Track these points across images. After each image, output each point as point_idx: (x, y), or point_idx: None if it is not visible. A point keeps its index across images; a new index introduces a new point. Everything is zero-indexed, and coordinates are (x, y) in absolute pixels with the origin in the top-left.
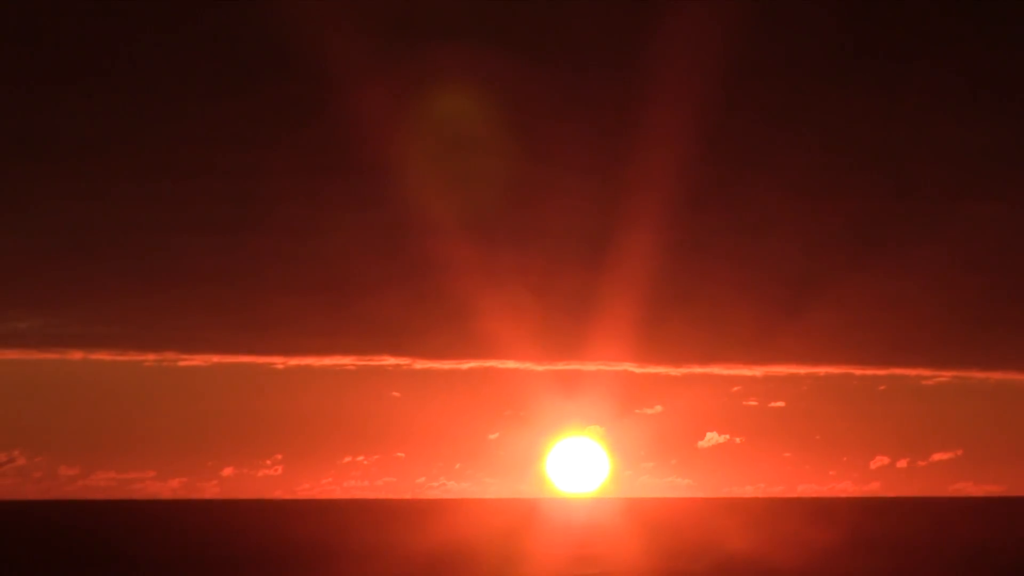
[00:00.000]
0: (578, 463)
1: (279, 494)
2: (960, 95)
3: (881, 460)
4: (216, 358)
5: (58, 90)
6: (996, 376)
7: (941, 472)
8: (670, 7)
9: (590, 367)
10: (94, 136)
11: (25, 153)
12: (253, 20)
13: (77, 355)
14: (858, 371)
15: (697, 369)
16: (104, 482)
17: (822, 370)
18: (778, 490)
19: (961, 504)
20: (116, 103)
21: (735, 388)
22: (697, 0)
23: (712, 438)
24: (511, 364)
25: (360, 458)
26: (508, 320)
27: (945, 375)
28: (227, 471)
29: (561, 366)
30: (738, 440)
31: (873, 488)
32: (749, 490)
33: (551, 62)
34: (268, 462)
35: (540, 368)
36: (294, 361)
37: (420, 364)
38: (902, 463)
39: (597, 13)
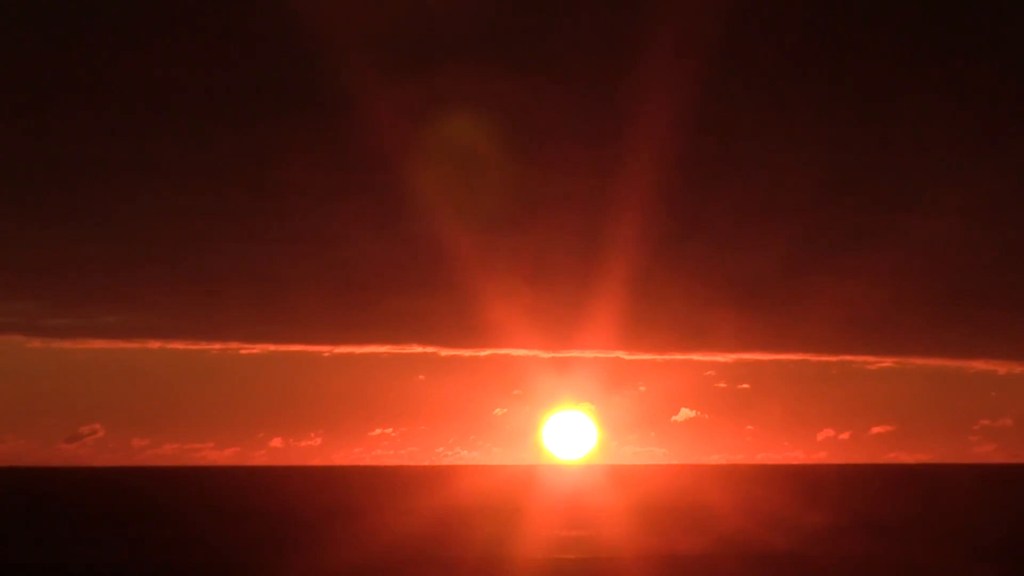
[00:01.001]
0: (572, 435)
1: (317, 461)
2: (913, 116)
3: (828, 433)
4: (272, 347)
5: (141, 122)
6: (931, 362)
7: (879, 443)
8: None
9: (587, 354)
10: (171, 162)
11: (112, 176)
12: (297, 59)
13: (155, 344)
14: (813, 358)
15: (678, 356)
16: (169, 451)
17: (783, 357)
18: (740, 458)
19: (895, 470)
20: (185, 136)
21: (708, 372)
22: (684, 18)
23: (685, 413)
24: (520, 352)
25: (389, 430)
26: (518, 315)
27: (887, 361)
28: (275, 442)
29: (562, 353)
30: (707, 416)
31: (820, 456)
32: (715, 458)
33: (551, 75)
34: (311, 434)
35: (544, 355)
36: (337, 350)
37: (444, 352)
38: (845, 435)
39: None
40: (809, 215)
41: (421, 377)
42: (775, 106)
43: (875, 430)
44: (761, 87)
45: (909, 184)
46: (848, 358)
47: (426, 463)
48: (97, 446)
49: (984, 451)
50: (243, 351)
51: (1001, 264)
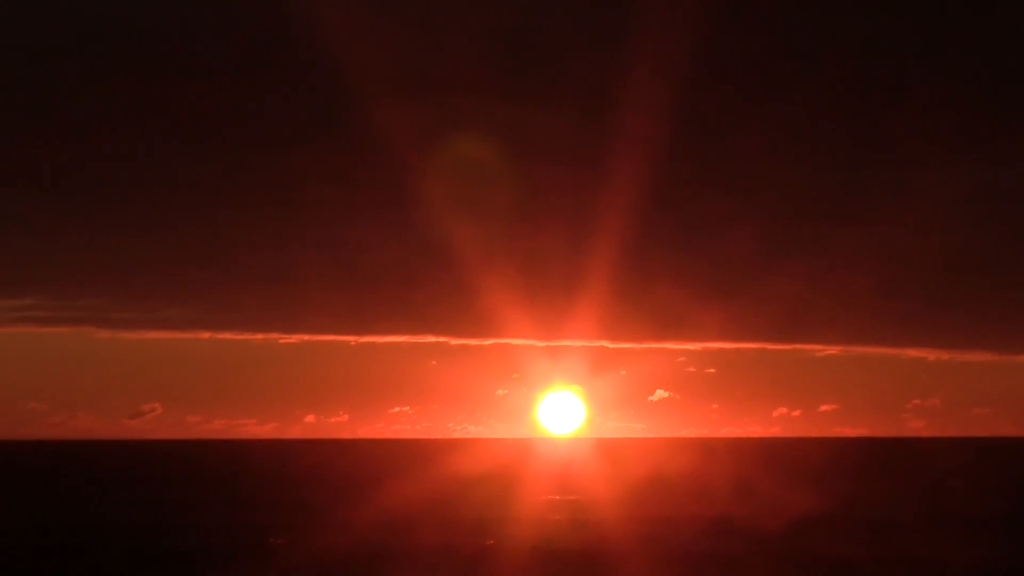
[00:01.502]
0: (562, 412)
1: (344, 435)
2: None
3: (782, 410)
4: (306, 337)
5: (198, 150)
6: (871, 350)
7: (825, 420)
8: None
9: (576, 343)
10: (221, 182)
11: (172, 194)
12: (328, 93)
13: (206, 335)
14: (769, 346)
15: (654, 344)
16: (218, 426)
17: (743, 345)
18: (706, 432)
19: (838, 442)
20: (233, 159)
21: (680, 358)
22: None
23: (659, 394)
24: (518, 341)
25: (406, 408)
26: (516, 309)
27: (833, 349)
28: (308, 418)
29: (554, 342)
30: (678, 396)
31: (775, 431)
32: (685, 432)
33: (545, 102)
34: (339, 412)
35: (539, 344)
36: (362, 339)
37: (453, 341)
38: (796, 413)
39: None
40: (764, 225)
41: (433, 363)
42: (736, 129)
43: (822, 408)
44: (729, 108)
45: (849, 197)
46: (799, 346)
47: (438, 436)
48: (156, 422)
49: (915, 427)
50: (281, 340)
51: (930, 267)
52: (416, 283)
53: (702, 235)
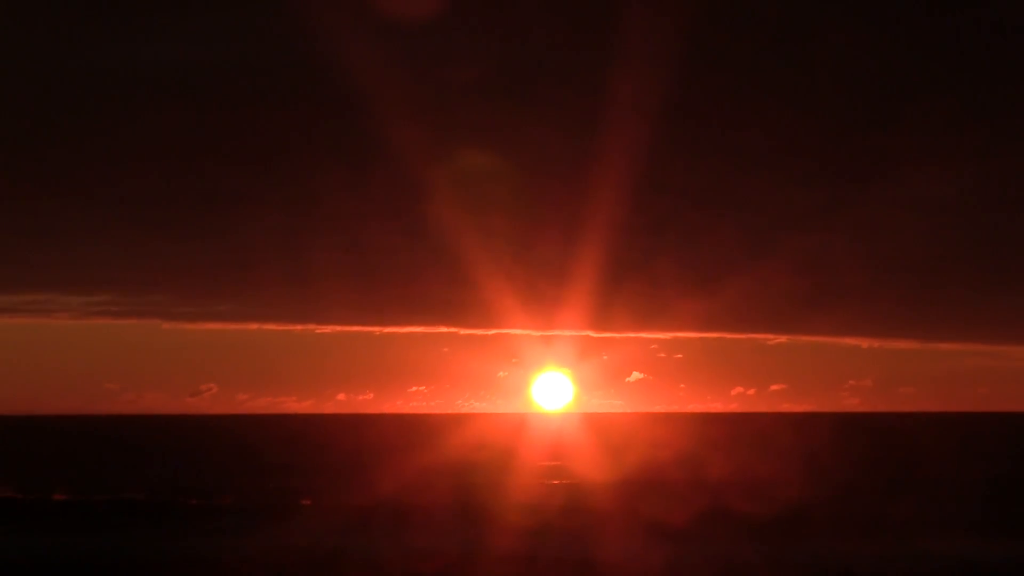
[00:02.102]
0: (554, 391)
1: (370, 410)
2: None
3: (739, 389)
4: (338, 328)
5: (251, 170)
6: (813, 339)
7: (775, 397)
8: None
9: (565, 333)
10: (264, 196)
11: (225, 205)
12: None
13: (253, 326)
14: (728, 335)
15: (631, 334)
16: (263, 403)
17: (706, 335)
18: (675, 407)
19: (786, 417)
20: (272, 174)
21: (653, 346)
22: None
23: (636, 376)
24: (517, 331)
25: (422, 388)
26: (516, 305)
27: (782, 338)
28: (340, 396)
29: (547, 332)
30: (651, 378)
31: (733, 407)
32: (657, 408)
33: (542, 113)
34: (366, 391)
35: (535, 333)
36: (385, 330)
37: (463, 332)
38: (751, 391)
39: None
40: (728, 235)
41: (445, 349)
42: (708, 148)
43: (773, 388)
44: (705, 124)
45: (791, 208)
46: (753, 336)
47: (449, 411)
48: (211, 399)
49: (851, 403)
50: (318, 331)
51: (863, 270)
52: (430, 283)
53: (673, 244)
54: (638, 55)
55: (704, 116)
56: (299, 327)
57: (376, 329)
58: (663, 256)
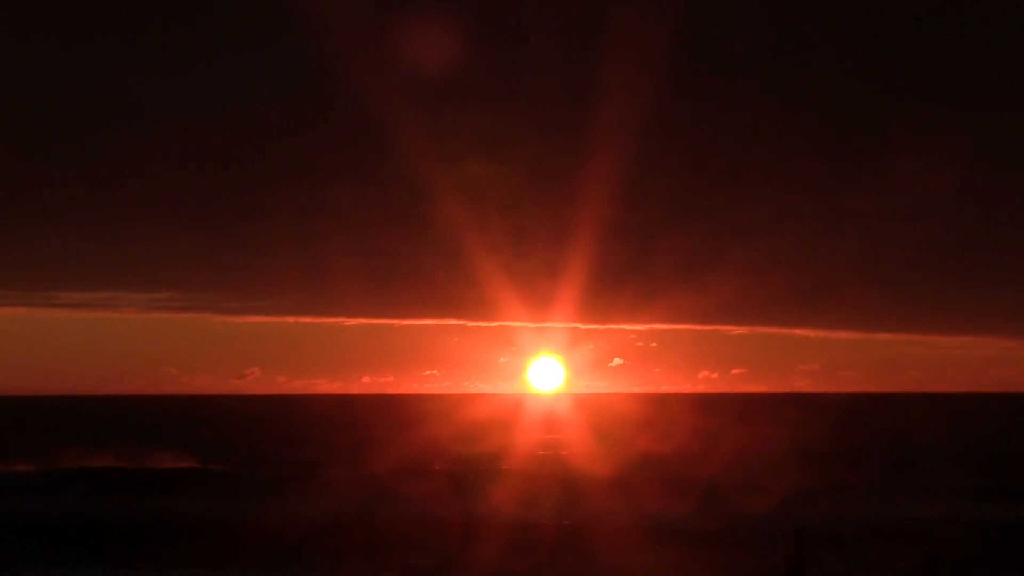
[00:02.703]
0: (548, 375)
1: (390, 391)
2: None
3: (705, 373)
4: (364, 320)
5: (290, 187)
6: (769, 330)
7: (736, 380)
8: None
9: (557, 325)
10: (295, 207)
11: (267, 216)
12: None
13: (291, 319)
14: (696, 327)
15: (612, 326)
16: (298, 384)
17: (677, 326)
18: (650, 389)
19: (746, 397)
20: (305, 189)
21: (631, 336)
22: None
23: (617, 361)
24: (516, 323)
25: (435, 372)
26: (515, 300)
27: (742, 329)
28: (364, 379)
29: (542, 324)
30: (630, 363)
31: (699, 388)
32: (635, 389)
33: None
34: (387, 374)
35: (531, 325)
36: (404, 322)
37: (470, 324)
38: (716, 375)
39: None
40: (683, 240)
41: (455, 339)
42: (686, 164)
43: (734, 371)
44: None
45: (757, 206)
46: (717, 327)
47: (457, 392)
48: (255, 381)
49: (801, 385)
50: (346, 323)
51: (808, 271)
52: (441, 282)
53: (651, 250)
54: (627, 63)
55: (674, 136)
56: (330, 320)
57: (395, 322)
58: (642, 260)
